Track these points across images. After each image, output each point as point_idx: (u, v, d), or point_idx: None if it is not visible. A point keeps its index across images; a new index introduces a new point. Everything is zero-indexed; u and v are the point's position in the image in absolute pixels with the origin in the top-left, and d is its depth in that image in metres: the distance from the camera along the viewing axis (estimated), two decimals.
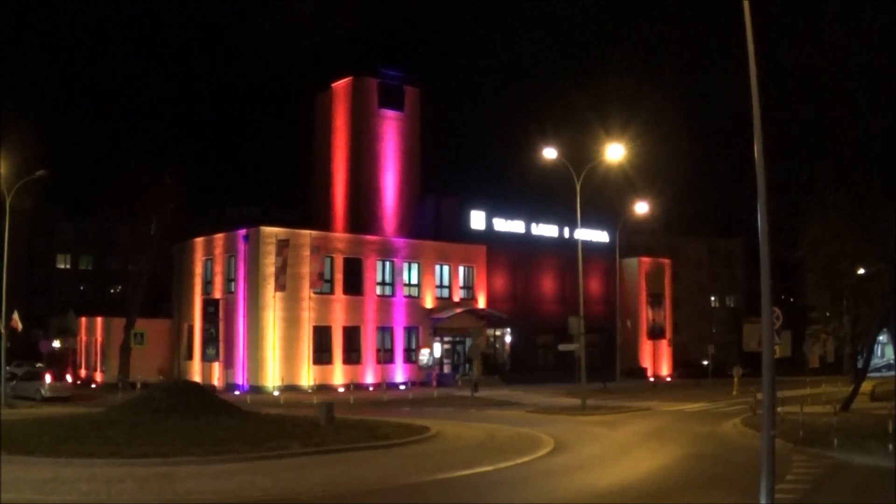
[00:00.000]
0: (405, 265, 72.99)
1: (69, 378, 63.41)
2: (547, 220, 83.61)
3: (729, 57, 28.02)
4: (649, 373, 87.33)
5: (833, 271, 63.95)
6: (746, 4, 20.05)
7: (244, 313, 65.81)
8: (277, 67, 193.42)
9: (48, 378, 57.37)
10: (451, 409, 50.20)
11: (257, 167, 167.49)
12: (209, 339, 67.93)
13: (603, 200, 72.48)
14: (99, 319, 77.13)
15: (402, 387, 68.09)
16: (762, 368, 20.14)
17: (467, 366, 73.92)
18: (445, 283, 75.75)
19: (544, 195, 78.14)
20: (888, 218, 35.02)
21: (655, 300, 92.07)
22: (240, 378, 65.02)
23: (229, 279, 68.83)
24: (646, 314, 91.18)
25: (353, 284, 69.45)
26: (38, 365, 79.59)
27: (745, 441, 34.09)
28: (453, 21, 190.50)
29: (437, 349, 73.89)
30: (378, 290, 71.14)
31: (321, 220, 78.07)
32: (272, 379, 63.68)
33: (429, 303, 73.77)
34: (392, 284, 72.16)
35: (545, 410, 49.32)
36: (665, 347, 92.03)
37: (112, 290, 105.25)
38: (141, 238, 68.97)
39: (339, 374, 67.37)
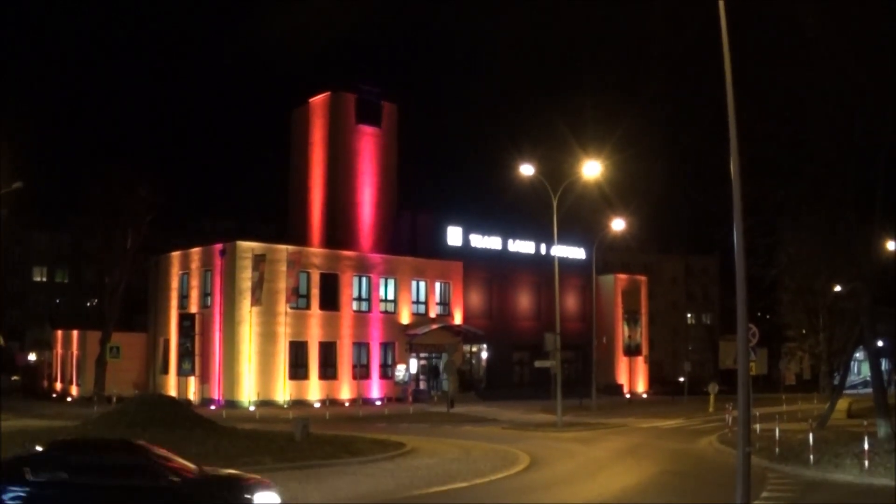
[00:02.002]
0: (381, 281, 72.91)
1: None
2: (523, 237, 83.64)
3: (705, 76, 28.15)
4: (625, 389, 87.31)
5: (808, 290, 64.45)
6: (723, 24, 20.17)
7: (220, 328, 65.62)
8: (255, 82, 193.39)
9: None
10: (427, 425, 50.14)
11: (233, 181, 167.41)
12: (185, 354, 67.67)
13: (579, 217, 72.58)
14: (75, 332, 76.75)
15: (378, 402, 68.00)
16: (738, 385, 20.24)
17: (435, 380, 73.84)
18: (422, 298, 75.70)
19: (521, 212, 78.24)
20: (862, 237, 35.19)
21: (631, 317, 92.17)
22: (215, 393, 64.81)
23: (205, 293, 68.63)
24: (622, 331, 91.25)
25: (330, 300, 69.31)
26: (14, 378, 79.44)
27: (720, 458, 34.17)
28: (431, 38, 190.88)
29: (413, 365, 73.79)
30: (354, 306, 71.01)
31: (298, 234, 77.95)
32: (248, 394, 63.46)
33: (405, 318, 73.70)
34: (368, 300, 72.06)
35: (521, 427, 49.33)
36: (641, 364, 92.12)
37: (88, 303, 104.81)
38: (116, 250, 68.73)
39: (314, 390, 67.20)
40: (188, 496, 17.89)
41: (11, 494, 17.01)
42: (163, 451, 19.35)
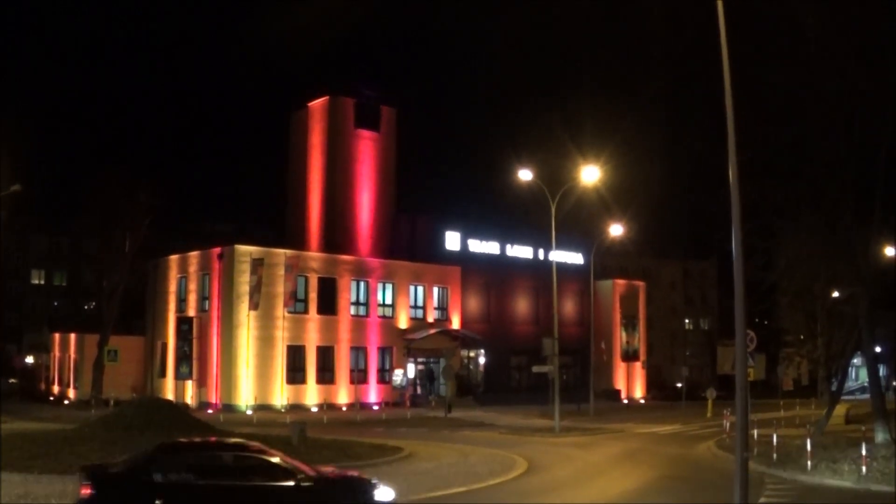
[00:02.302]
0: (379, 285, 72.86)
1: None
2: (522, 242, 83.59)
3: (704, 77, 28.14)
4: (623, 395, 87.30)
5: (807, 294, 64.26)
6: (722, 25, 20.15)
7: (218, 332, 65.58)
8: (253, 85, 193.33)
9: None
10: (425, 429, 50.09)
11: (232, 184, 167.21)
12: (183, 357, 67.62)
13: (578, 222, 72.63)
14: (72, 335, 76.71)
15: (376, 407, 67.95)
16: (736, 391, 20.20)
17: (431, 385, 73.76)
18: (420, 303, 75.65)
19: (519, 216, 78.34)
20: (861, 241, 35.18)
21: (630, 322, 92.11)
22: (213, 396, 64.76)
23: (203, 297, 68.59)
24: (620, 336, 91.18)
25: (328, 304, 69.26)
26: (11, 380, 79.34)
27: (718, 463, 34.13)
28: (430, 41, 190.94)
29: (411, 370, 73.73)
30: (352, 310, 70.95)
31: (296, 238, 77.92)
32: (245, 398, 63.38)
33: (403, 323, 73.65)
34: (366, 304, 72.01)
35: (518, 432, 49.28)
36: (639, 369, 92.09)
37: (86, 306, 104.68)
38: (115, 253, 68.66)
39: (312, 394, 67.16)
40: (317, 494, 18.45)
41: (154, 499, 17.20)
42: (278, 452, 19.78)
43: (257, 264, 63.94)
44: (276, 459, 18.91)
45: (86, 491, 17.36)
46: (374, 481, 19.71)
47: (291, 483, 18.34)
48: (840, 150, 33.66)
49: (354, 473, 21.32)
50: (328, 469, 20.77)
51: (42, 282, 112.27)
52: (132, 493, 17.57)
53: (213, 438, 23.93)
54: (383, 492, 19.29)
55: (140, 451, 19.78)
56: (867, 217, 34.69)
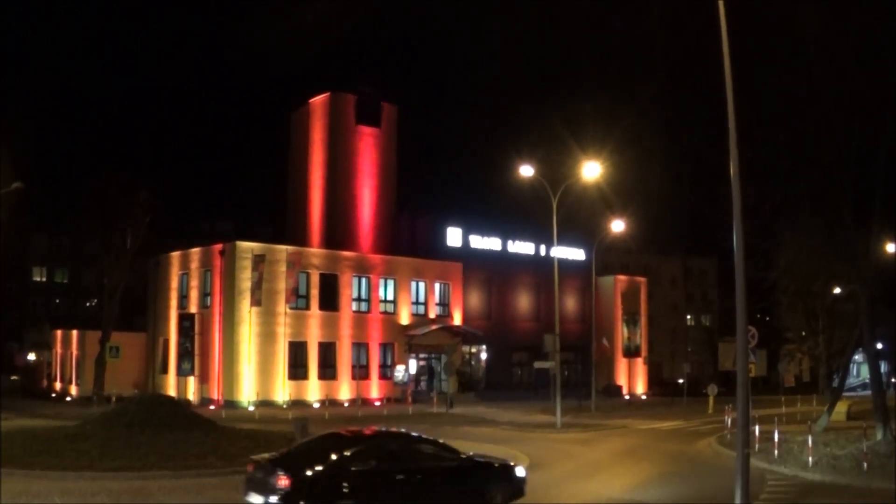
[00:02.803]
0: (381, 281, 72.87)
1: None
2: (523, 238, 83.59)
3: (705, 78, 28.19)
4: (625, 391, 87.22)
5: (807, 292, 64.43)
6: (723, 26, 20.21)
7: (219, 328, 65.61)
8: (254, 83, 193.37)
9: None
10: (426, 425, 50.00)
11: (233, 182, 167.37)
12: (184, 354, 67.62)
13: (579, 219, 72.59)
14: (74, 333, 76.68)
15: (378, 403, 67.92)
16: (737, 387, 20.27)
17: (429, 382, 73.77)
18: (421, 299, 75.67)
19: (521, 213, 78.20)
20: (861, 240, 35.25)
21: (631, 318, 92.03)
22: (215, 393, 64.79)
23: (205, 294, 68.63)
24: (621, 332, 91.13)
25: (329, 300, 69.29)
26: (13, 378, 79.40)
27: (719, 460, 34.20)
28: (431, 38, 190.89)
29: (413, 366, 73.73)
30: (354, 306, 70.98)
31: (297, 235, 77.94)
32: (247, 394, 63.41)
33: (404, 319, 73.69)
34: (368, 300, 72.04)
35: (520, 428, 49.31)
36: (640, 366, 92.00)
37: (87, 304, 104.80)
38: (116, 251, 68.64)
39: (314, 390, 67.19)
40: (473, 470, 22.17)
41: (345, 486, 19.44)
42: (430, 437, 23.37)
43: (259, 260, 63.96)
44: (434, 444, 22.47)
45: (284, 482, 18.94)
46: (511, 463, 24.39)
47: (455, 463, 21.66)
48: (840, 150, 33.72)
49: (491, 456, 25.23)
50: (470, 452, 23.63)
51: (43, 279, 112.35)
52: (327, 481, 19.41)
53: (373, 428, 25.21)
54: (520, 469, 23.70)
55: (304, 442, 23.28)
56: (867, 216, 34.75)
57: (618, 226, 67.76)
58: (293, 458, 20.46)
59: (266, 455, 21.67)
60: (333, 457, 19.84)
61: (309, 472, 19.41)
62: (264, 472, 19.74)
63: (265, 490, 19.24)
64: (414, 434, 22.56)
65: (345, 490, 19.37)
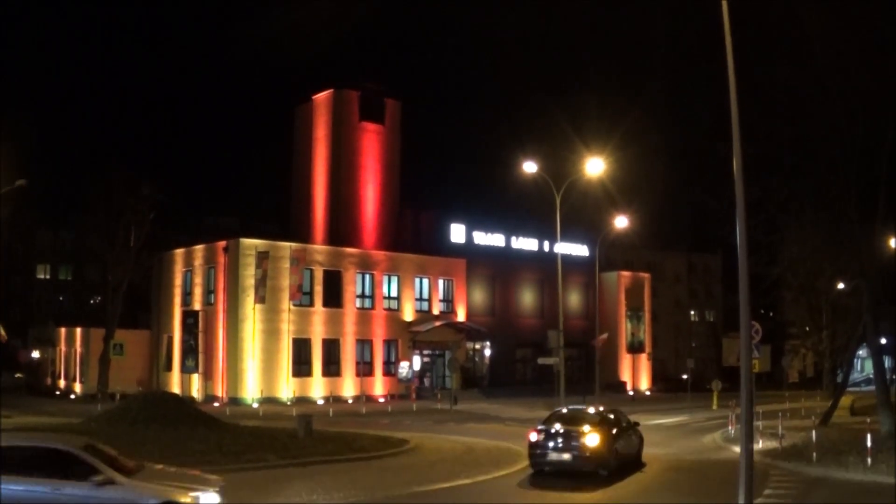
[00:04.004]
0: (385, 278, 72.91)
1: None
2: (527, 234, 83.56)
3: (708, 74, 28.17)
4: (629, 387, 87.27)
5: (811, 287, 64.36)
6: (726, 22, 20.18)
7: (224, 325, 65.66)
8: (258, 79, 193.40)
9: None
10: (430, 422, 50.15)
11: (235, 178, 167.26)
12: (188, 351, 67.70)
13: (583, 214, 72.67)
14: (78, 330, 76.78)
15: (382, 400, 67.97)
16: (741, 383, 20.25)
17: (437, 377, 73.84)
18: (425, 296, 75.69)
19: (524, 209, 78.35)
20: (865, 235, 35.21)
21: (635, 314, 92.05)
22: (219, 390, 64.87)
23: (209, 291, 68.67)
24: (625, 328, 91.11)
25: (333, 297, 69.34)
26: (17, 375, 79.46)
27: (723, 455, 34.18)
28: (435, 35, 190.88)
29: (417, 362, 73.72)
30: (357, 303, 71.02)
31: (301, 232, 77.99)
32: (251, 391, 63.50)
33: (408, 316, 73.70)
34: (371, 297, 72.08)
35: (524, 424, 49.14)
36: (644, 361, 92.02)
37: (91, 301, 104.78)
38: (120, 248, 68.64)
39: (318, 387, 67.24)
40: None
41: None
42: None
43: (262, 257, 63.99)
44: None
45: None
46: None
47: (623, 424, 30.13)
48: (844, 144, 33.66)
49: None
50: None
51: (47, 276, 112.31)
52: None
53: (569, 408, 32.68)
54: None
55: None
56: (871, 212, 34.71)
57: (621, 222, 67.68)
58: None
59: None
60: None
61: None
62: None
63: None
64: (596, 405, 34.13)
65: None
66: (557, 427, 27.81)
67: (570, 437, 27.23)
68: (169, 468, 20.69)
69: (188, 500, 17.27)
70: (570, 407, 33.19)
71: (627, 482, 27.29)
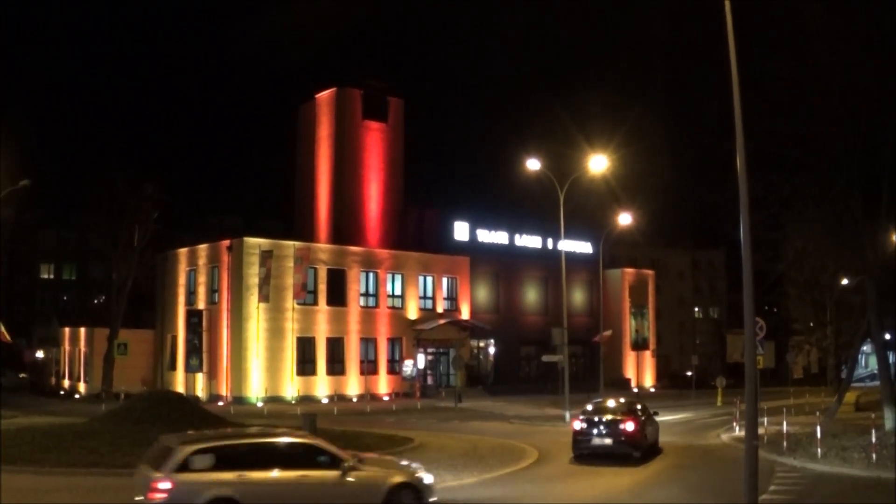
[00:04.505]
0: (389, 276, 72.86)
1: None
2: (530, 232, 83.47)
3: (711, 70, 28.16)
4: (633, 384, 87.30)
5: (815, 284, 64.32)
6: (729, 19, 20.17)
7: (228, 324, 65.62)
8: (260, 78, 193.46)
9: None
10: (435, 420, 50.19)
11: (239, 177, 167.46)
12: (192, 350, 67.65)
13: (586, 212, 72.64)
14: (82, 329, 76.87)
15: (386, 398, 67.97)
16: (745, 379, 20.24)
17: (442, 375, 73.83)
18: (429, 294, 75.64)
19: (528, 206, 78.26)
20: (868, 231, 35.17)
21: (639, 311, 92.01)
22: (223, 389, 64.84)
23: (213, 290, 68.62)
24: (629, 325, 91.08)
25: (337, 295, 69.29)
26: (21, 375, 79.47)
27: (728, 451, 34.21)
28: (437, 33, 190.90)
29: (421, 360, 73.68)
30: (362, 301, 70.96)
31: (304, 230, 78.00)
32: (256, 390, 63.48)
33: (412, 314, 73.68)
34: (376, 295, 72.02)
35: (528, 421, 49.34)
36: (649, 358, 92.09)
37: (95, 300, 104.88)
38: (123, 247, 68.61)
39: (322, 386, 67.22)
40: None
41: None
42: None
43: (266, 256, 63.97)
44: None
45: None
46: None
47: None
48: (847, 140, 33.62)
49: None
50: None
51: (51, 276, 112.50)
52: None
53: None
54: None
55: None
56: (874, 208, 34.68)
57: (625, 218, 67.54)
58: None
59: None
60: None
61: None
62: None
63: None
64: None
65: None
66: (602, 416, 31.69)
67: (612, 424, 31.15)
68: (371, 454, 23.72)
69: (417, 478, 20.23)
70: (596, 400, 36.40)
71: (632, 478, 27.34)
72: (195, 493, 17.49)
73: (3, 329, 54.84)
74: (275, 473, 18.43)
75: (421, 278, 74.94)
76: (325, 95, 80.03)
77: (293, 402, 62.85)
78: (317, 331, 67.78)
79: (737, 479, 20.78)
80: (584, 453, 31.26)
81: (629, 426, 30.88)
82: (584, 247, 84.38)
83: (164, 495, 17.27)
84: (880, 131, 33.48)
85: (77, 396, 70.80)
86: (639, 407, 33.97)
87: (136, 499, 17.85)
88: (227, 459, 18.15)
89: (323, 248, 70.80)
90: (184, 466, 17.62)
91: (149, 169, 67.52)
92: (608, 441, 30.99)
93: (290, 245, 66.44)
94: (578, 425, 31.86)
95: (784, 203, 35.83)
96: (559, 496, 25.09)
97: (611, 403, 33.81)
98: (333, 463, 19.07)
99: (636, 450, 30.81)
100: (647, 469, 29.48)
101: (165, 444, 18.83)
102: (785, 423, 35.19)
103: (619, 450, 30.59)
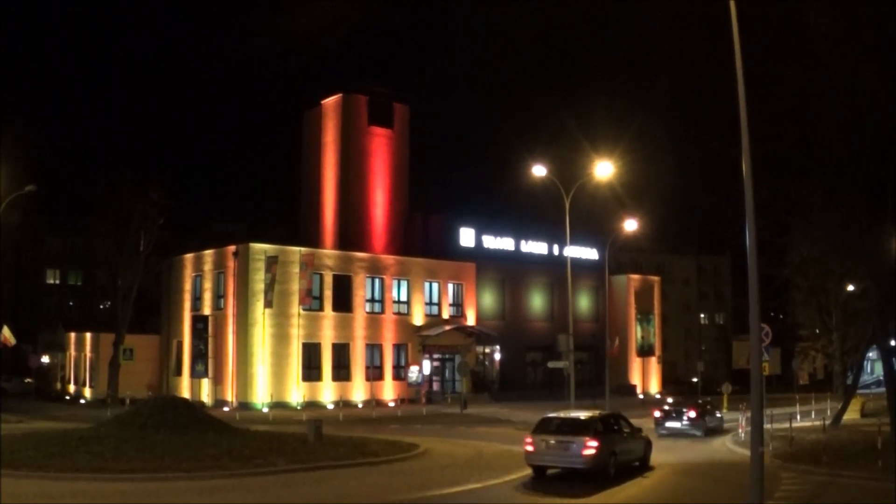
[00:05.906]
0: (394, 282, 72.83)
1: None
2: (536, 238, 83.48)
3: (717, 76, 28.12)
4: (639, 390, 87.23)
5: (820, 289, 64.19)
6: (735, 25, 20.16)
7: (233, 330, 65.64)
8: (266, 84, 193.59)
9: None
10: (440, 426, 50.15)
11: (245, 183, 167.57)
12: (198, 356, 67.70)
13: (592, 218, 72.52)
14: (88, 335, 76.92)
15: (392, 404, 67.92)
16: (751, 385, 20.21)
17: (447, 381, 73.78)
18: (434, 300, 75.61)
19: (533, 212, 78.25)
20: (874, 237, 35.08)
21: (644, 317, 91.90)
22: (229, 394, 64.84)
23: (218, 295, 68.68)
24: (635, 331, 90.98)
25: (343, 301, 69.30)
26: (27, 380, 79.54)
27: (734, 458, 34.14)
28: (442, 39, 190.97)
29: (427, 366, 73.62)
30: (367, 307, 70.96)
31: (310, 236, 78.00)
32: (261, 396, 63.47)
33: (418, 320, 73.66)
34: (381, 301, 72.01)
35: None
36: (654, 364, 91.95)
37: (101, 306, 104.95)
38: (129, 253, 68.75)
39: (328, 391, 67.22)
40: None
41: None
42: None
43: (272, 262, 63.99)
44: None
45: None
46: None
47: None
48: (852, 145, 33.55)
49: None
50: None
51: (57, 281, 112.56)
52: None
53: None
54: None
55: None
56: (880, 213, 34.59)
57: (630, 225, 67.40)
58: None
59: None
60: None
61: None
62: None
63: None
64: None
65: None
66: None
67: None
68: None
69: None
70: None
71: (638, 484, 27.28)
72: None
73: (7, 332, 54.91)
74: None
75: (427, 284, 74.92)
76: (330, 102, 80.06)
77: (298, 407, 62.83)
78: (322, 337, 67.78)
79: (742, 486, 20.73)
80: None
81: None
82: (589, 253, 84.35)
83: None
84: (886, 136, 33.40)
85: (82, 402, 70.79)
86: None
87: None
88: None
89: (328, 253, 70.79)
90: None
91: (154, 175, 67.43)
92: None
93: (296, 251, 66.45)
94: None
95: (789, 208, 35.82)
96: (566, 503, 25.05)
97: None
98: (630, 428, 30.64)
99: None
100: (655, 476, 29.40)
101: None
102: (791, 429, 35.11)
103: (691, 430, 34.06)
